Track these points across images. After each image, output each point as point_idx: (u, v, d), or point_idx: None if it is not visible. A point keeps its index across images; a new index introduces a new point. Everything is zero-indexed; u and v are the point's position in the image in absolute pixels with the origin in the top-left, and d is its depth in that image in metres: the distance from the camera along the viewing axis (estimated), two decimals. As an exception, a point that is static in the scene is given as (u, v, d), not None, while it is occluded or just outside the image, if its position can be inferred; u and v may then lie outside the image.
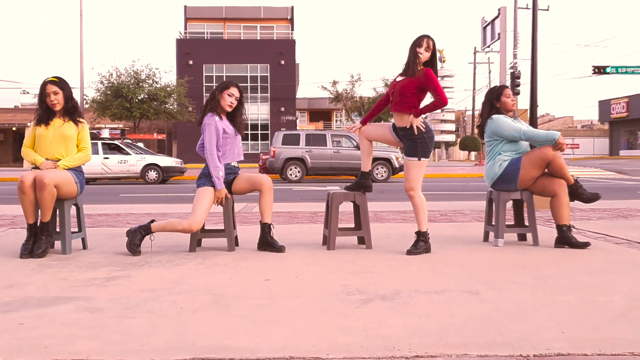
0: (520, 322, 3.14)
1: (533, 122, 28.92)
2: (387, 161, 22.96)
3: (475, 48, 64.40)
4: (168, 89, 36.79)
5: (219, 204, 5.64)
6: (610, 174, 30.85)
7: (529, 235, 6.15)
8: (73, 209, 8.44)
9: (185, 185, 22.44)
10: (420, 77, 5.33)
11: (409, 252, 5.38)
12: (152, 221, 5.65)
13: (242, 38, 55.81)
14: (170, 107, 37.57)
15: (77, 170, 5.64)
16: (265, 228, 5.68)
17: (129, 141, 25.51)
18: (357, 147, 23.39)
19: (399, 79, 5.50)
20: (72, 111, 5.66)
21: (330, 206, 5.79)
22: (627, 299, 3.63)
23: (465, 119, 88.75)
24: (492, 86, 6.32)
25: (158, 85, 36.54)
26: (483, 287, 3.99)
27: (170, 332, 3.04)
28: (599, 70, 47.54)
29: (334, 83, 44.97)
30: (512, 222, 6.34)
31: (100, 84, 35.96)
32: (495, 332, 3.00)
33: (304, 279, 4.35)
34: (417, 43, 5.38)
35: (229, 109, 5.71)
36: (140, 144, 26.53)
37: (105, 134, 26.11)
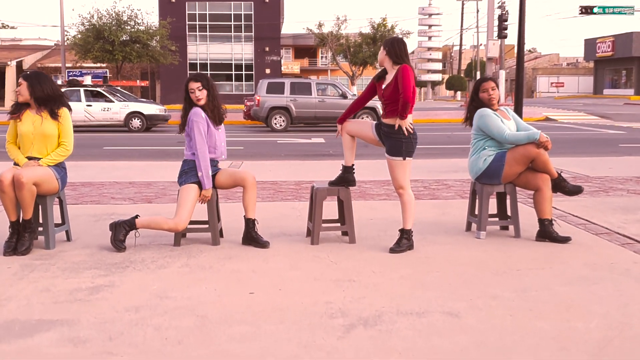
0: (499, 363, 3.20)
1: (519, 60, 28.86)
2: (372, 110, 22.87)
3: (463, -15, 63.51)
4: (150, 31, 36.08)
5: (203, 202, 5.64)
6: (593, 118, 31.00)
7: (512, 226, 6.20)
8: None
9: (169, 134, 22.30)
10: (397, 74, 5.31)
11: (392, 251, 5.42)
12: (137, 216, 5.63)
13: (225, -27, 54.57)
14: (153, 48, 36.89)
15: (58, 166, 5.58)
16: (250, 223, 5.69)
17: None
18: (343, 96, 23.28)
19: (384, 85, 5.43)
20: (46, 101, 5.50)
21: (314, 201, 5.78)
22: (604, 326, 3.69)
23: (452, 54, 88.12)
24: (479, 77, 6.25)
25: (141, 28, 35.81)
26: (464, 306, 4.04)
27: (154, 376, 3.07)
28: (586, 10, 47.17)
29: (320, 25, 44.30)
30: (495, 212, 6.37)
31: (81, 25, 35.20)
32: (474, 377, 3.05)
33: (288, 291, 4.38)
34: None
35: (199, 103, 5.61)
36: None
37: (88, 80, 25.70)
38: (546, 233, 5.77)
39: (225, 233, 6.09)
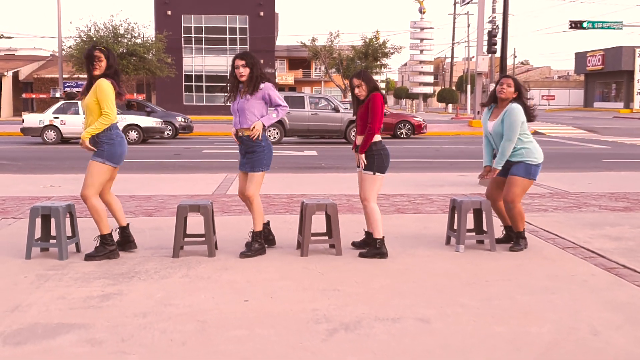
0: (459, 361, 3.73)
1: (502, 71, 29.63)
2: None
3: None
4: (147, 44, 36.63)
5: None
6: (581, 132, 31.64)
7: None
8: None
9: (166, 147, 22.80)
10: (368, 101, 6.15)
11: (361, 255, 6.20)
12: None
13: (220, -14, 55.18)
14: (150, 61, 37.35)
15: (100, 141, 5.98)
16: (254, 236, 6.31)
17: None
18: (335, 110, 23.85)
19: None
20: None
21: (304, 216, 6.31)
22: (554, 330, 4.22)
23: (444, 66, 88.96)
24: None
25: (138, 41, 36.36)
26: (434, 312, 4.57)
27: (162, 372, 3.58)
28: (576, 25, 47.97)
29: (313, 40, 45.02)
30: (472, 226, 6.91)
31: (78, 38, 35.70)
32: (436, 373, 3.58)
33: (279, 299, 4.90)
34: (351, 87, 6.31)
35: (241, 79, 6.22)
36: None
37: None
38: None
39: (220, 245, 6.61)
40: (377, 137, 6.17)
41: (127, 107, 26.89)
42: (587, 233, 7.27)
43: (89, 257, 6.01)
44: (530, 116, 6.49)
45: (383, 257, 6.13)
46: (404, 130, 26.73)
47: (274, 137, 23.49)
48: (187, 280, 5.41)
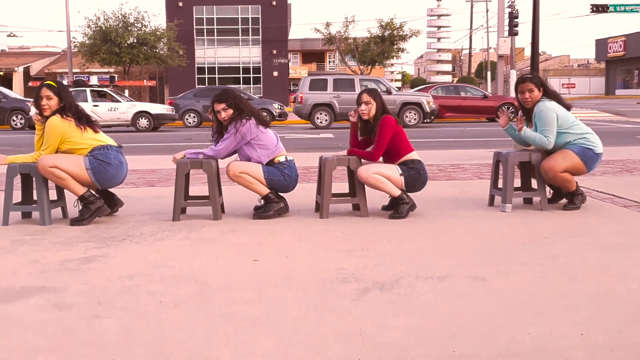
0: (534, 323, 2.83)
1: (534, 61, 28.36)
2: (418, 105, 22.49)
3: (472, -14, 63.19)
4: (158, 33, 35.75)
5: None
6: (607, 115, 30.48)
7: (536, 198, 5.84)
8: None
9: (177, 132, 22.01)
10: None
11: (392, 217, 5.29)
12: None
13: (233, -23, 54.29)
14: (161, 51, 36.56)
15: (92, 156, 5.16)
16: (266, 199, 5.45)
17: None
18: (387, 92, 22.71)
19: None
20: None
21: (322, 172, 5.44)
22: (648, 287, 3.32)
23: (462, 58, 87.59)
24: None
25: (148, 30, 35.49)
26: (489, 270, 3.68)
27: (145, 339, 2.72)
28: (598, 9, 46.67)
29: (327, 25, 43.83)
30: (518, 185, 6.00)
31: (87, 28, 34.92)
32: (506, 337, 2.68)
33: (295, 259, 4.03)
34: (357, 102, 5.56)
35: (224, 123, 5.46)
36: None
37: (94, 80, 25.41)
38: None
39: (228, 209, 5.75)
40: (415, 155, 5.40)
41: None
42: (648, 193, 6.33)
43: (75, 222, 5.17)
44: (565, 105, 5.59)
45: (413, 208, 5.34)
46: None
47: (322, 122, 22.49)
48: (187, 243, 4.55)
